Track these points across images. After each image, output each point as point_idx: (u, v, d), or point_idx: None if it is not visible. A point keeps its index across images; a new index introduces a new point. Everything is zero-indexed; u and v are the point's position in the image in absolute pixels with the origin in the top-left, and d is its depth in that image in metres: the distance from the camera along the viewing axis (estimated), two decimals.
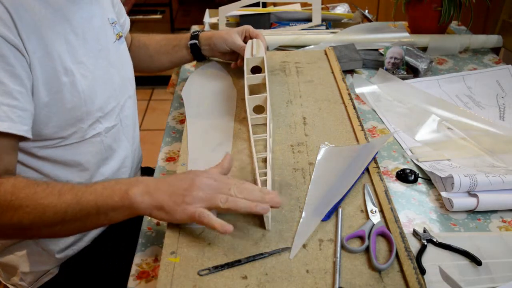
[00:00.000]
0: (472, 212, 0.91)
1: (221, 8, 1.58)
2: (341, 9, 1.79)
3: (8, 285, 1.04)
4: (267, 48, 1.51)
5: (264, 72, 1.11)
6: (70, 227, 0.77)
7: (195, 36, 1.22)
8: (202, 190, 0.74)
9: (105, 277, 1.05)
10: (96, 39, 0.95)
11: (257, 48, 1.17)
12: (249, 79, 1.09)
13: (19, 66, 0.78)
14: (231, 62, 1.27)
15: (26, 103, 0.79)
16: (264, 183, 0.85)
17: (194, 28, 1.73)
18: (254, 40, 1.21)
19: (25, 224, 0.74)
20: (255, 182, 0.89)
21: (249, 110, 1.02)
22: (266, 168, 0.89)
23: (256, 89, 1.11)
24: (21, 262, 0.98)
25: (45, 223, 0.75)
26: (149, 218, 0.92)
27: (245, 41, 1.22)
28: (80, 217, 0.75)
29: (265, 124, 1.04)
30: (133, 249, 0.86)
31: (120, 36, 1.04)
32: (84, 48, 0.92)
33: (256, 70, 1.15)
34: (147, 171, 1.28)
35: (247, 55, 1.15)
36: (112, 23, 1.03)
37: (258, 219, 0.81)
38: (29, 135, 0.81)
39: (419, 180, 0.99)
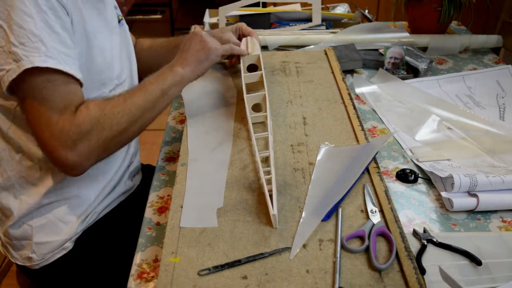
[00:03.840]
0: (472, 212, 0.91)
1: (221, 8, 1.58)
2: (341, 9, 1.79)
3: (16, 262, 1.05)
4: (267, 48, 1.51)
5: (260, 70, 1.11)
6: (149, 115, 0.94)
7: None
8: (210, 40, 1.06)
9: (106, 277, 1.06)
10: (111, 16, 1.03)
11: (252, 46, 1.17)
12: (246, 77, 1.09)
13: (67, 22, 0.86)
14: (227, 61, 1.28)
15: (74, 54, 0.87)
16: (269, 181, 0.85)
17: None
18: (249, 38, 1.21)
19: (123, 127, 0.89)
20: (258, 180, 0.89)
21: (248, 108, 1.02)
22: (268, 166, 0.89)
23: (254, 87, 1.11)
24: (35, 232, 1.00)
25: (135, 119, 0.91)
26: (149, 218, 0.92)
27: (239, 39, 1.22)
28: (153, 103, 0.94)
29: (264, 123, 1.04)
30: (133, 249, 0.86)
31: (120, 20, 1.10)
32: (105, 20, 1.00)
33: (253, 68, 1.15)
34: (148, 168, 1.29)
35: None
36: (114, 6, 1.08)
37: (258, 218, 0.81)
38: (82, 81, 0.87)
39: (419, 180, 0.99)
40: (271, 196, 0.81)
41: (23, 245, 1.02)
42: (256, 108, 1.07)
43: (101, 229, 1.07)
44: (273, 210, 0.78)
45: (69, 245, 1.02)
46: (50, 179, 0.97)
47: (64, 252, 1.02)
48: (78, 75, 0.85)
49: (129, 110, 0.90)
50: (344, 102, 1.11)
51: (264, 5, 1.71)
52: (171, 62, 1.02)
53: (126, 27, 1.12)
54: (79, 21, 0.90)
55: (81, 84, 0.88)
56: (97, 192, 1.05)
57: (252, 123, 1.01)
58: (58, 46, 0.83)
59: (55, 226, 1.00)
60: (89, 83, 0.92)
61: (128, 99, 0.91)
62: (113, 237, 1.07)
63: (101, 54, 0.96)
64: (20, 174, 0.96)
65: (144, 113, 0.92)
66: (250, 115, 1.01)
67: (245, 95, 1.04)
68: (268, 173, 0.87)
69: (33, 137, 0.94)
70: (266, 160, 0.93)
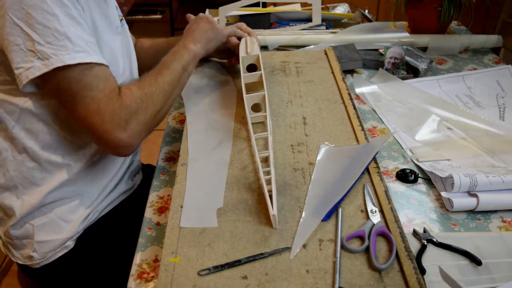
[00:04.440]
0: (472, 212, 0.91)
1: (221, 8, 1.58)
2: (341, 9, 1.79)
3: (17, 261, 1.05)
4: (267, 48, 1.51)
5: (260, 70, 1.11)
6: (176, 92, 1.00)
7: None
8: (216, 22, 1.15)
9: (106, 277, 1.06)
10: (113, 15, 1.04)
11: (251, 45, 1.17)
12: (245, 77, 1.09)
13: (82, 14, 0.88)
14: (226, 61, 1.28)
15: (95, 41, 0.90)
16: (268, 182, 0.85)
17: None
18: (248, 37, 1.21)
19: (160, 106, 0.94)
20: (258, 180, 0.89)
21: (247, 108, 1.02)
22: (267, 166, 0.89)
23: (254, 87, 1.11)
24: (37, 231, 1.00)
25: (168, 96, 0.96)
26: (149, 218, 0.92)
27: (238, 39, 1.22)
28: (178, 80, 1.00)
29: (264, 123, 1.04)
30: (133, 248, 0.86)
31: (121, 19, 1.10)
32: (109, 20, 1.01)
33: (252, 68, 1.15)
34: (148, 168, 1.30)
35: (241, 53, 1.15)
36: (115, 6, 1.09)
37: (258, 218, 0.81)
38: (106, 63, 0.89)
39: (419, 180, 0.99)
40: (271, 196, 0.81)
41: (24, 244, 1.02)
42: (256, 108, 1.07)
43: (102, 228, 1.07)
44: (273, 211, 0.78)
45: (71, 244, 1.03)
46: (53, 179, 0.97)
47: (66, 250, 1.02)
48: (105, 62, 0.88)
49: (163, 88, 0.95)
50: (344, 102, 1.11)
51: (264, 5, 1.71)
52: (180, 42, 1.07)
53: (126, 27, 1.13)
54: (88, 17, 0.91)
55: None
56: (98, 191, 1.05)
57: (252, 123, 1.01)
58: (84, 36, 0.85)
59: (57, 225, 1.00)
60: None
61: (159, 77, 0.95)
62: (114, 236, 1.07)
63: (108, 50, 0.96)
64: (23, 174, 0.96)
65: (173, 89, 0.98)
66: (249, 115, 1.01)
67: (244, 95, 1.04)
68: (267, 173, 0.87)
69: (37, 138, 0.94)
70: (266, 160, 0.93)
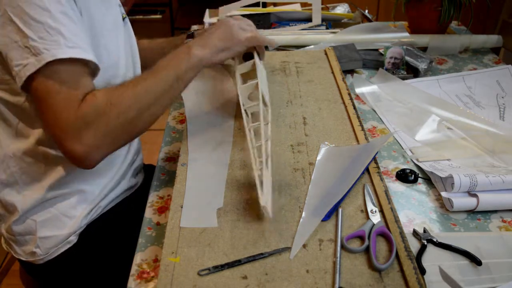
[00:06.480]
0: (472, 212, 0.91)
1: (221, 8, 1.58)
2: (341, 9, 1.79)
3: (20, 258, 1.05)
4: (268, 48, 1.51)
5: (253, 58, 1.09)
6: (162, 102, 0.90)
7: (190, 35, 1.24)
8: (239, 26, 1.04)
9: (107, 274, 1.06)
10: (116, 13, 1.03)
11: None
12: (239, 68, 1.09)
13: (79, 14, 0.87)
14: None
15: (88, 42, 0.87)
16: (261, 173, 0.83)
17: (194, 28, 1.73)
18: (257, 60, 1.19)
19: (133, 116, 0.85)
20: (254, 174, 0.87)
21: (242, 98, 1.00)
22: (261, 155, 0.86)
23: (249, 77, 1.09)
24: (39, 227, 1.00)
25: (145, 106, 0.86)
26: (149, 218, 0.92)
27: None
28: (166, 89, 0.89)
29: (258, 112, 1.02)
30: (133, 249, 0.86)
31: (124, 18, 1.09)
32: (111, 18, 1.00)
33: (249, 57, 1.13)
34: (149, 168, 1.30)
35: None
36: (118, 4, 1.08)
37: (258, 218, 0.81)
38: (97, 62, 0.86)
39: (419, 180, 0.99)
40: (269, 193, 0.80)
41: (26, 240, 1.02)
42: (256, 96, 1.04)
43: (105, 224, 1.07)
44: (263, 202, 0.77)
45: (73, 239, 1.03)
46: (54, 174, 0.97)
47: (68, 246, 1.02)
48: (96, 61, 0.85)
49: (139, 98, 0.85)
50: (344, 102, 1.11)
51: (264, 5, 1.71)
52: (189, 43, 0.98)
53: (129, 25, 1.12)
54: (86, 16, 0.90)
55: (95, 73, 0.87)
56: (100, 187, 1.05)
57: (252, 112, 1.00)
58: (79, 33, 0.83)
59: (59, 220, 1.00)
60: (95, 79, 0.92)
61: (139, 85, 0.87)
62: (116, 235, 1.07)
63: (106, 52, 0.95)
64: (23, 170, 0.97)
65: (156, 100, 0.88)
66: (246, 105, 1.00)
67: (238, 86, 1.02)
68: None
69: (34, 133, 0.94)
70: (259, 150, 0.90)
